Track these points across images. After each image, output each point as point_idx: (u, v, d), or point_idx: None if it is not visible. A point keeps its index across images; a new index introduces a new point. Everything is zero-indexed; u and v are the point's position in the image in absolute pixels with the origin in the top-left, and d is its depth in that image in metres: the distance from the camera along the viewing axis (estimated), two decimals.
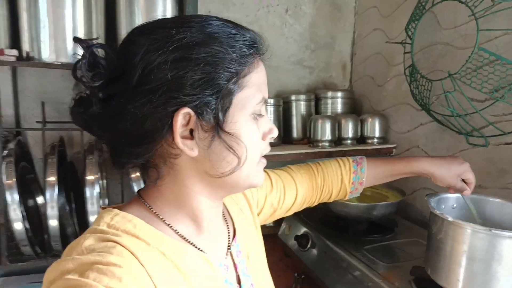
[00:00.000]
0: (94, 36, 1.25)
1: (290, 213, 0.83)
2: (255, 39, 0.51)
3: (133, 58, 0.45)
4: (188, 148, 0.47)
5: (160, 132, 0.46)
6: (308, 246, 1.19)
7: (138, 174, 1.30)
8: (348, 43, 1.82)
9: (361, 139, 1.52)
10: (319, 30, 1.76)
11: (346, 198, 0.87)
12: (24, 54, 1.21)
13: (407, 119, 1.46)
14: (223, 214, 0.63)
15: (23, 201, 1.25)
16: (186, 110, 0.45)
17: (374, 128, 1.49)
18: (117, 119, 0.46)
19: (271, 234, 1.42)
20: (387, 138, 1.54)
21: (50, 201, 1.17)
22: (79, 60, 0.47)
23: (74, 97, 0.49)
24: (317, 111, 1.63)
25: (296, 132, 1.58)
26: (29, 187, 1.37)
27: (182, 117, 0.46)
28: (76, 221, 1.34)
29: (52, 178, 1.18)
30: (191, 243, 0.53)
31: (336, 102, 1.61)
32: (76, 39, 0.48)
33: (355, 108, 1.71)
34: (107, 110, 0.47)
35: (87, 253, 0.42)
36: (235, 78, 0.47)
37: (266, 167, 0.59)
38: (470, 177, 0.86)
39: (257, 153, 0.53)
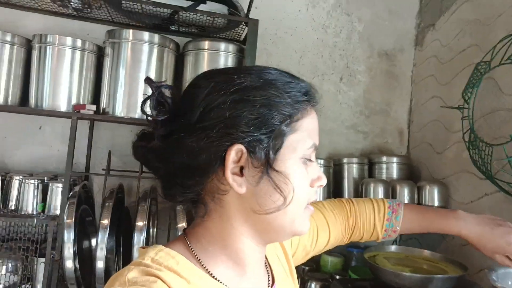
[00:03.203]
0: None
1: (322, 252, 0.80)
2: (309, 88, 0.54)
3: (196, 98, 0.50)
4: (237, 184, 0.49)
5: (213, 166, 0.49)
6: None
7: (184, 224, 1.33)
8: (405, 110, 1.79)
9: None
10: (374, 97, 1.78)
11: (379, 241, 0.84)
12: (101, 110, 1.40)
13: (469, 188, 1.34)
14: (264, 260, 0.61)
15: (78, 241, 1.33)
16: (239, 146, 0.48)
17: (433, 196, 1.39)
18: (175, 151, 0.50)
19: None
20: (448, 208, 1.41)
21: (101, 242, 1.23)
22: (148, 97, 0.52)
23: (137, 133, 0.55)
24: (371, 176, 1.58)
25: (347, 195, 1.52)
26: (86, 229, 1.47)
27: (235, 153, 0.48)
28: (122, 266, 1.38)
29: (105, 221, 1.26)
30: None
31: (391, 168, 1.54)
32: (147, 80, 0.53)
33: (413, 175, 1.62)
34: (166, 144, 0.51)
35: (129, 285, 0.43)
36: (288, 120, 0.50)
37: None
38: None
39: (303, 197, 0.52)
